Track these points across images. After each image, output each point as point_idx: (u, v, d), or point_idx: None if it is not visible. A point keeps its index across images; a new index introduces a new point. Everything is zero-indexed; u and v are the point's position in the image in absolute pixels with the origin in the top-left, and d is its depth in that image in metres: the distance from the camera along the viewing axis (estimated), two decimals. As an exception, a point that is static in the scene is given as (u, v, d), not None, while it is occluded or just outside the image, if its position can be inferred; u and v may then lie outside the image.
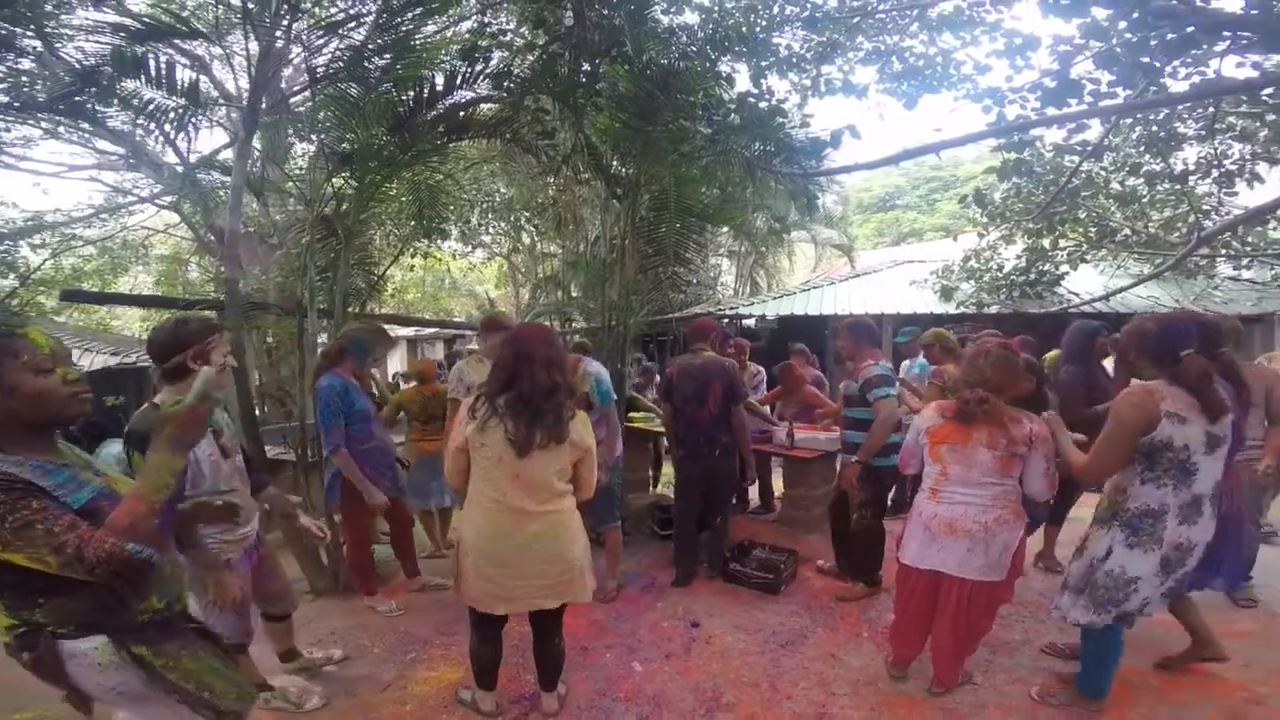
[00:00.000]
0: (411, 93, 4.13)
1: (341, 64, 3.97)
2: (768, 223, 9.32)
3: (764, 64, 4.79)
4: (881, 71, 5.16)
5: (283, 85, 4.65)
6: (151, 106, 3.73)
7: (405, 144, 4.37)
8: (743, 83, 4.95)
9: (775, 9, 4.62)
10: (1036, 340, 5.02)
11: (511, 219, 11.27)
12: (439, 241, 11.56)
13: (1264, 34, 2.93)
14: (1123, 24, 3.18)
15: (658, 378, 4.53)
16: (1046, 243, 8.46)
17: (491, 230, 12.67)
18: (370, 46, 3.98)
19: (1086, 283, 9.53)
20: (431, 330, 16.54)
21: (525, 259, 15.60)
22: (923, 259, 11.62)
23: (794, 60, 5.02)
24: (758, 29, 4.51)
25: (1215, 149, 6.67)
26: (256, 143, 5.34)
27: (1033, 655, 3.03)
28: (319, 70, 4.07)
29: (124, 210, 10.86)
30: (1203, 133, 6.25)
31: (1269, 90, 5.08)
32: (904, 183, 34.20)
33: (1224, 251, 8.26)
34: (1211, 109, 5.71)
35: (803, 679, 2.88)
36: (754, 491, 5.67)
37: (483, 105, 5.18)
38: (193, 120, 3.95)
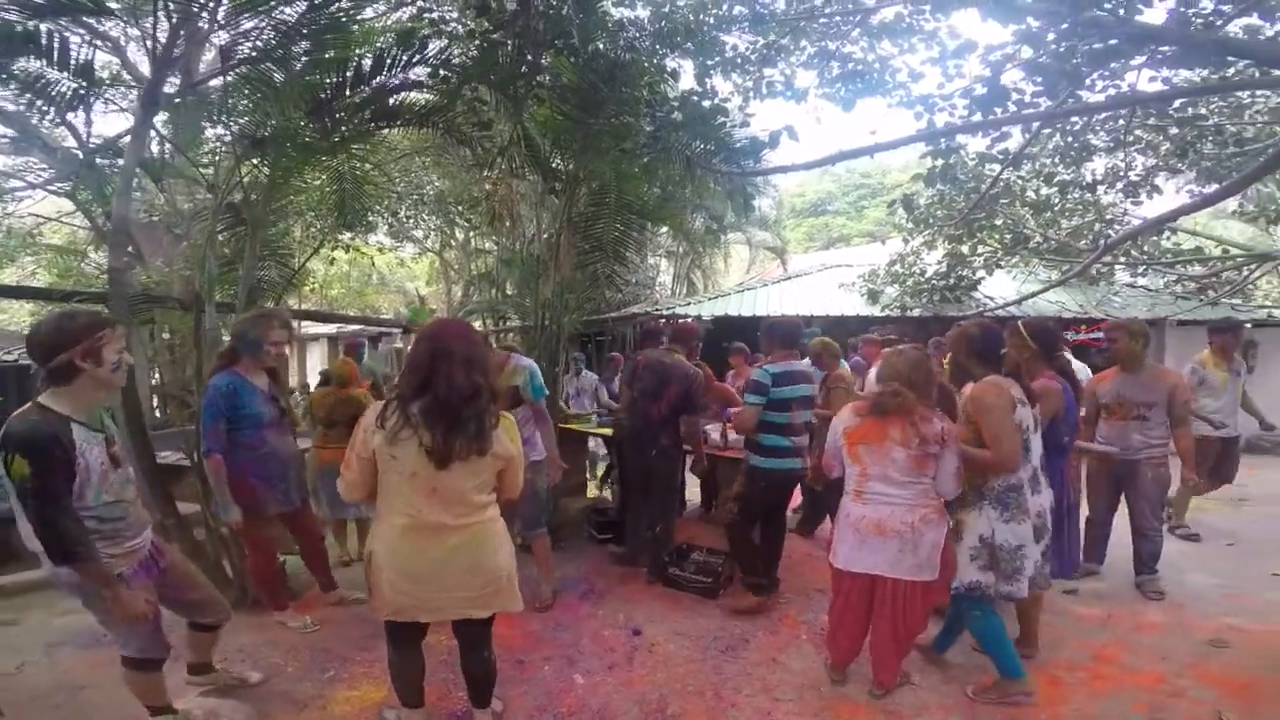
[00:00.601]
0: (335, 76, 3.86)
1: (262, 45, 3.67)
2: (705, 223, 9.36)
3: (710, 63, 4.77)
4: (821, 76, 5.23)
5: (201, 67, 4.29)
6: (41, 84, 3.41)
7: (326, 129, 4.09)
8: (687, 81, 4.92)
9: (724, 7, 4.60)
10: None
11: (444, 213, 10.88)
12: (365, 235, 11.07)
13: (1182, 46, 3.13)
14: (1052, 35, 3.32)
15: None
16: (966, 249, 8.86)
17: (423, 225, 12.21)
18: (300, 30, 3.69)
19: (1001, 287, 10.03)
20: (355, 327, 15.82)
21: (458, 255, 15.17)
22: (851, 263, 11.98)
23: (738, 61, 5.02)
24: (706, 25, 4.47)
25: (1122, 161, 7.14)
26: (163, 127, 4.89)
27: (964, 652, 3.09)
28: (237, 52, 3.74)
29: (11, 196, 9.84)
30: (1111, 144, 6.68)
31: (1176, 103, 5.50)
32: (835, 189, 35.32)
33: (1123, 259, 8.88)
34: (1123, 121, 6.11)
35: (746, 685, 2.84)
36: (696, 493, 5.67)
37: (416, 93, 4.93)
38: (88, 100, 3.67)
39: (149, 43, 3.74)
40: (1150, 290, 10.84)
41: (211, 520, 3.52)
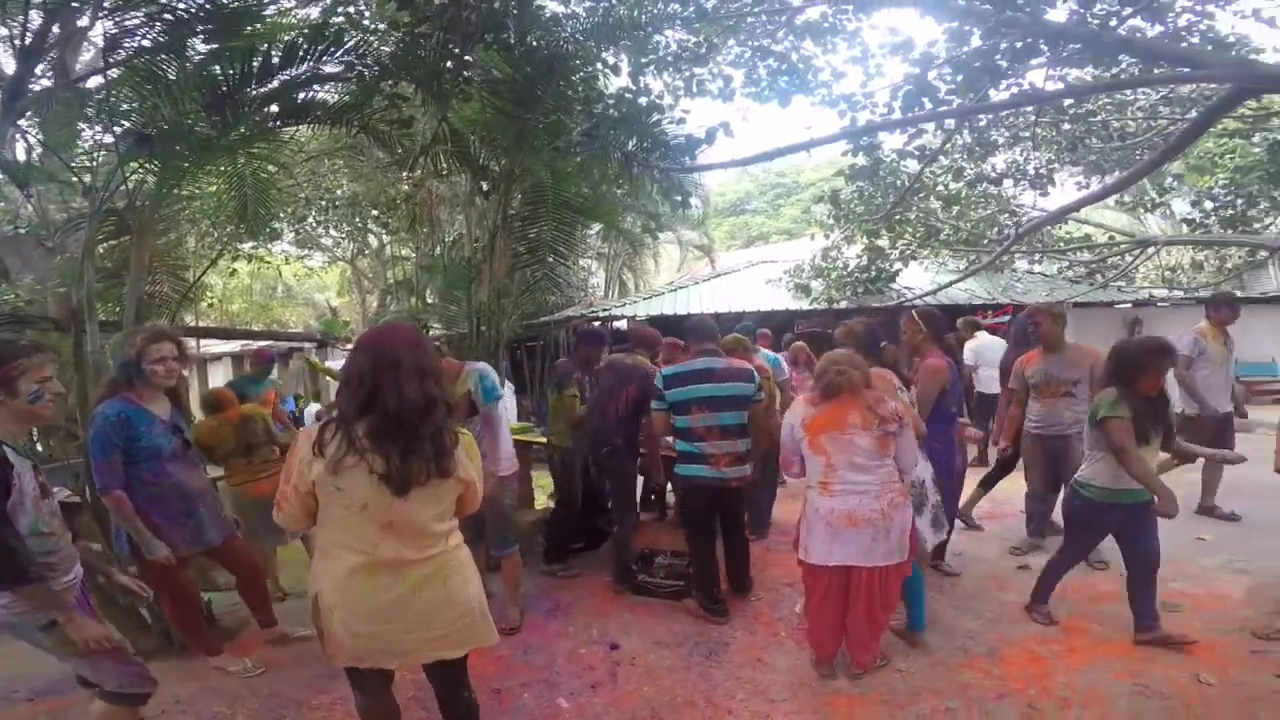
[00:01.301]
0: (239, 68, 3.48)
1: (154, 38, 3.26)
2: (640, 221, 9.31)
3: (644, 60, 4.69)
4: (749, 75, 5.26)
5: (81, 66, 3.79)
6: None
7: (226, 125, 3.70)
8: (622, 79, 4.83)
9: (661, 5, 4.53)
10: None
11: (357, 218, 10.28)
12: (269, 244, 10.29)
13: (1088, 45, 3.35)
14: (977, 33, 3.46)
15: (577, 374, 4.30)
16: (884, 242, 9.23)
17: (334, 231, 11.50)
18: (198, 20, 3.29)
19: (916, 278, 10.53)
20: (262, 343, 14.75)
21: (373, 263, 14.42)
22: (776, 259, 12.27)
23: (670, 59, 4.98)
24: (643, 22, 4.38)
25: (1021, 156, 7.64)
26: (32, 127, 4.31)
27: (943, 633, 3.14)
28: (123, 45, 3.31)
29: None
30: (1011, 140, 7.13)
31: (1069, 101, 5.92)
32: (753, 188, 36.19)
33: (1024, 248, 9.52)
34: (1025, 118, 6.53)
35: (738, 690, 2.75)
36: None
37: (329, 88, 4.58)
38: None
39: (17, 43, 3.27)
40: (1047, 276, 11.73)
41: (118, 561, 3.09)
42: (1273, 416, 4.52)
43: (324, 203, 9.53)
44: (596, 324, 9.83)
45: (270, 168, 5.18)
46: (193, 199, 5.57)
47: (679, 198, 5.42)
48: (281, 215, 8.26)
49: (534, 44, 3.95)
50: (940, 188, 8.31)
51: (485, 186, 5.04)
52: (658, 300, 11.03)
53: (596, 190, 5.55)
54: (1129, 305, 10.24)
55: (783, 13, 5.04)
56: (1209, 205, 8.30)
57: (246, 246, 9.32)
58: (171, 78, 3.35)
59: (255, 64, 3.51)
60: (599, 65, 4.46)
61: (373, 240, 12.73)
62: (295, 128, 4.77)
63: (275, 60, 3.59)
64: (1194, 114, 5.49)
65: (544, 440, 4.84)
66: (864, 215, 8.56)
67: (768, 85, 5.28)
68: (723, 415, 3.34)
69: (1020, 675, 2.76)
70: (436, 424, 1.76)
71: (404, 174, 6.80)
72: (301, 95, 4.13)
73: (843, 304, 9.61)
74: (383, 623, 1.80)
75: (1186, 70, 3.34)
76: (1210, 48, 3.95)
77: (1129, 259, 10.23)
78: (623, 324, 10.91)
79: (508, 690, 2.81)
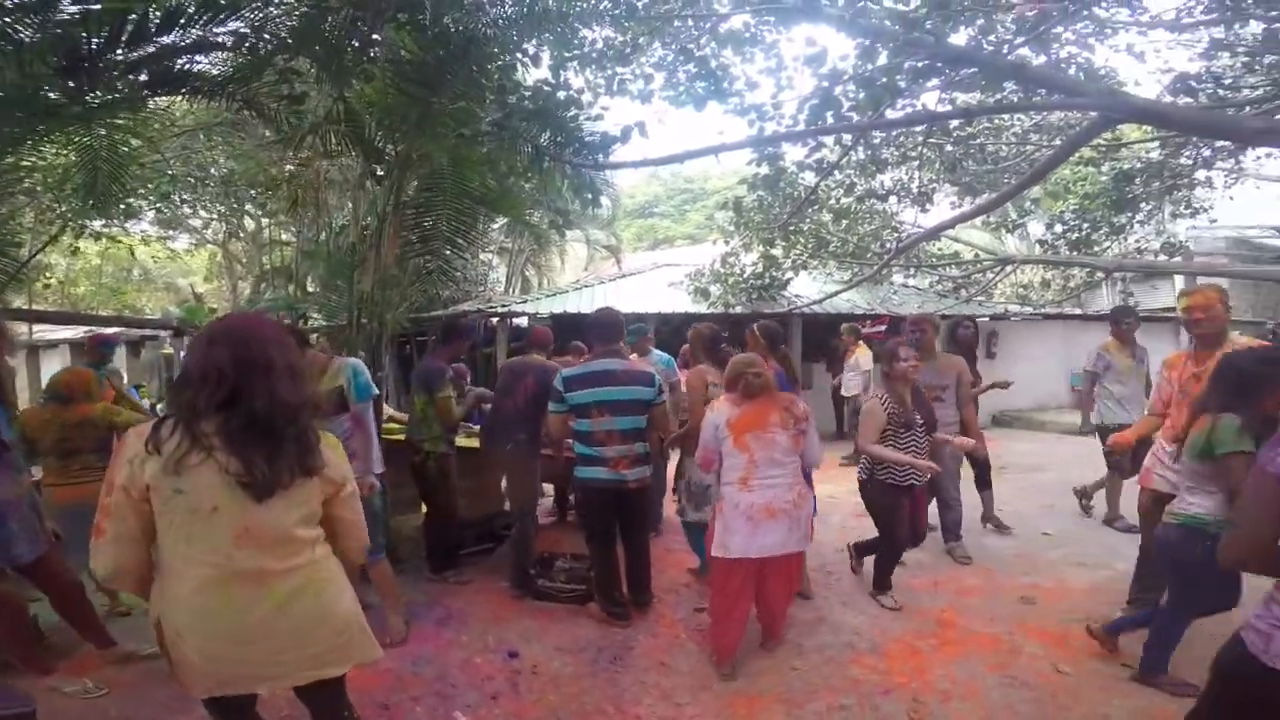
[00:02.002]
0: (108, 29, 3.06)
1: None
2: (548, 216, 9.14)
3: (569, 55, 4.60)
4: (669, 78, 5.31)
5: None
6: None
7: (78, 91, 3.25)
8: (541, 72, 4.71)
9: (591, 1, 4.45)
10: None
11: (232, 199, 9.41)
12: (124, 222, 9.21)
13: (984, 69, 3.67)
14: (884, 51, 3.68)
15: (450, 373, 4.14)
16: (778, 251, 9.63)
17: (204, 212, 10.46)
18: None
19: (805, 287, 11.06)
20: (112, 330, 13.19)
21: (247, 247, 13.26)
22: (680, 263, 12.47)
23: (594, 56, 4.92)
24: (571, 14, 4.29)
25: (906, 174, 8.23)
26: None
27: (832, 631, 3.30)
28: None
29: None
30: (899, 159, 7.66)
31: (954, 123, 6.45)
32: (662, 192, 36.66)
33: (900, 263, 10.24)
34: (921, 138, 7.03)
35: (644, 695, 2.75)
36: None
37: (211, 59, 4.14)
38: None
39: None
40: (920, 289, 12.69)
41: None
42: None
43: (194, 180, 8.64)
44: (465, 318, 9.53)
45: (134, 141, 4.64)
46: (34, 170, 4.90)
47: (589, 195, 5.38)
48: (142, 192, 7.42)
49: (450, 27, 3.75)
50: (833, 201, 8.78)
51: (379, 170, 4.75)
52: (561, 298, 10.87)
53: (503, 182, 5.38)
54: (987, 319, 11.26)
55: (708, 19, 5.13)
56: (1059, 229, 9.28)
57: (97, 224, 8.31)
58: (26, 39, 2.89)
59: (129, 27, 3.10)
60: (519, 55, 4.32)
61: (249, 222, 11.70)
62: (168, 99, 4.28)
63: (153, 25, 3.19)
64: (1059, 141, 6.13)
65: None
66: (762, 224, 8.87)
67: (686, 90, 5.33)
68: (621, 419, 3.31)
69: (903, 669, 2.93)
70: (303, 425, 1.61)
71: (289, 153, 6.29)
72: (180, 62, 3.71)
73: (738, 309, 9.90)
74: (248, 644, 1.61)
75: (1062, 97, 3.70)
76: (1084, 78, 4.41)
77: (990, 276, 11.29)
78: (523, 321, 10.68)
79: (397, 705, 2.66)
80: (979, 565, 4.17)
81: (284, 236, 11.31)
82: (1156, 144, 7.97)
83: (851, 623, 3.40)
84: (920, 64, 3.71)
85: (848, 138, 6.06)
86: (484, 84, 4.14)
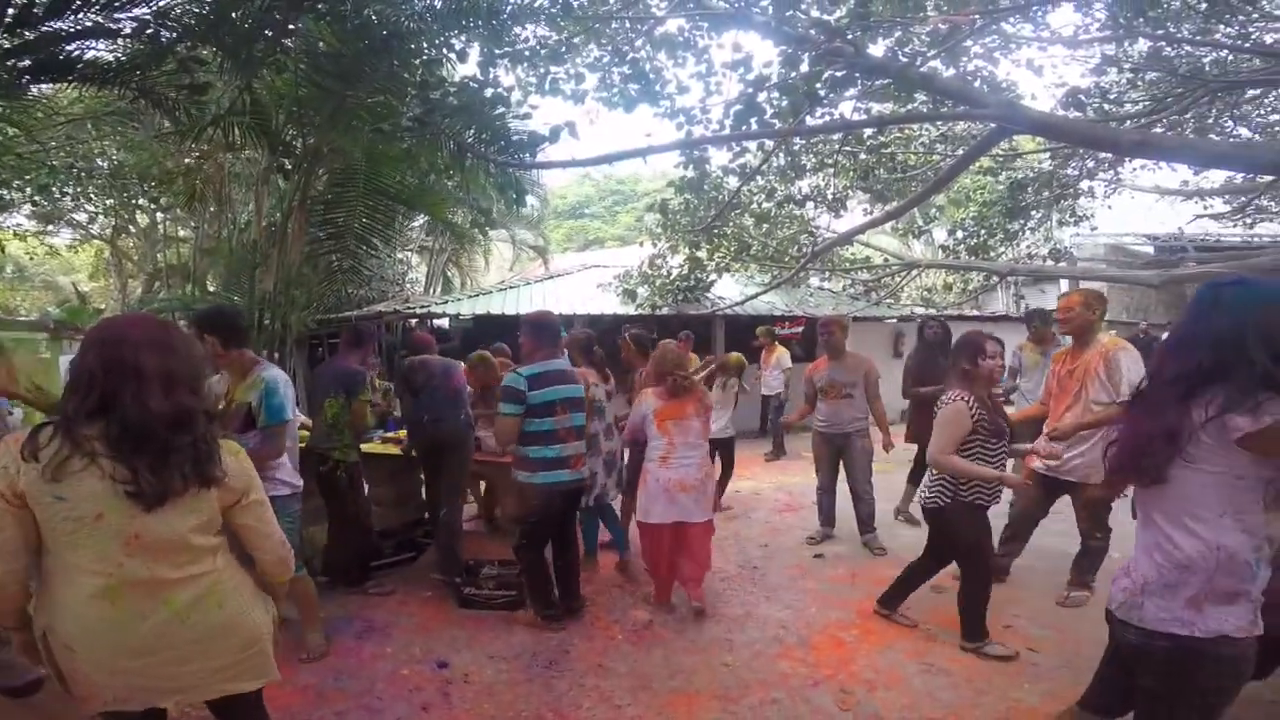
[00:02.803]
0: None
1: None
2: (471, 215, 8.93)
3: (499, 52, 4.50)
4: (603, 79, 5.31)
5: None
6: None
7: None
8: (469, 69, 4.61)
9: None
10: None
11: (125, 192, 8.69)
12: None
13: (898, 79, 3.88)
14: (806, 59, 3.83)
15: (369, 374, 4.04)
16: (703, 254, 9.83)
17: (90, 205, 9.61)
18: None
19: (727, 289, 11.33)
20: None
21: (139, 243, 12.28)
22: (608, 264, 12.48)
23: (527, 54, 4.84)
24: (504, 10, 4.21)
25: (824, 181, 8.58)
26: None
27: (759, 625, 3.41)
28: None
29: None
30: (817, 165, 7.98)
31: (869, 132, 6.78)
32: (593, 193, 36.52)
33: (815, 266, 10.67)
34: (837, 146, 7.34)
35: (583, 698, 2.73)
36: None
37: (104, 46, 3.82)
38: None
39: None
40: (834, 292, 13.26)
41: None
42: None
43: (78, 172, 7.93)
44: (414, 321, 9.26)
45: (9, 130, 4.24)
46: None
47: (514, 194, 5.31)
48: (17, 184, 6.77)
49: (373, 19, 3.60)
50: (754, 205, 9.04)
51: (287, 164, 4.53)
52: (485, 299, 10.65)
53: (423, 179, 5.24)
54: (895, 320, 11.90)
55: (644, 21, 5.16)
56: (960, 235, 9.93)
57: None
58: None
59: (10, 9, 2.82)
60: (445, 51, 4.21)
61: (141, 217, 10.84)
62: (54, 85, 3.92)
63: (39, 8, 2.91)
64: (962, 151, 6.54)
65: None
66: (688, 226, 9.03)
67: (620, 91, 5.35)
68: (577, 415, 3.35)
69: (829, 661, 3.03)
70: (194, 434, 1.51)
71: (187, 144, 5.89)
72: (68, 49, 3.40)
73: (664, 310, 10.04)
74: (145, 655, 1.52)
75: (966, 108, 3.96)
76: (988, 90, 4.72)
77: (898, 279, 11.94)
78: (444, 322, 10.42)
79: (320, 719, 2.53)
80: (894, 557, 4.34)
81: (182, 233, 10.56)
82: (1047, 155, 8.67)
83: (777, 616, 3.51)
84: (840, 73, 3.88)
85: (770, 144, 6.26)
86: (406, 78, 4.01)
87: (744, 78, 4.35)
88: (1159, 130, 6.19)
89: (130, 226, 11.47)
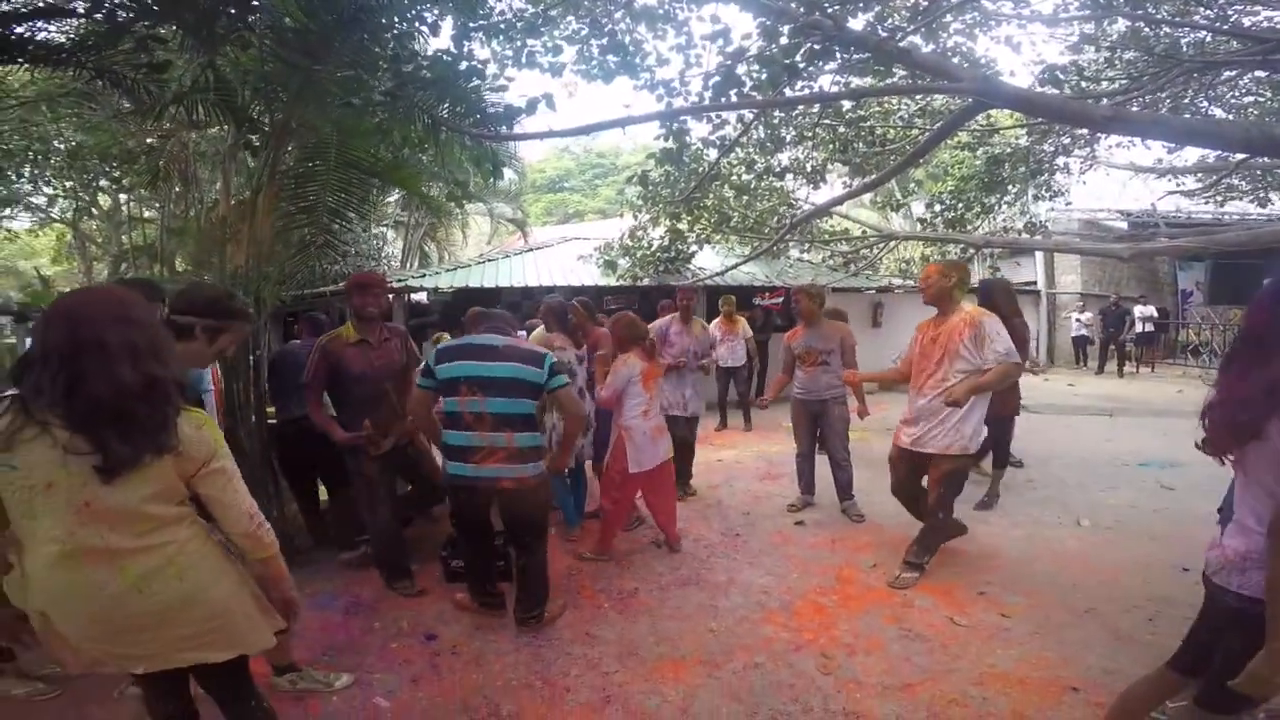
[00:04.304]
0: None
1: None
2: (447, 189, 8.78)
3: (473, 26, 4.39)
4: (581, 51, 5.22)
5: None
6: None
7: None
8: (443, 41, 4.49)
9: None
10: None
11: (85, 174, 8.41)
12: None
13: (876, 53, 3.88)
14: (785, 31, 3.80)
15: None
16: (684, 225, 9.81)
17: (49, 188, 9.30)
18: None
19: (708, 260, 11.34)
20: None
21: (103, 225, 11.93)
22: (589, 236, 12.41)
23: (503, 26, 4.73)
24: None
25: (803, 154, 8.57)
26: None
27: (742, 591, 3.48)
28: None
29: None
30: (797, 138, 7.96)
31: (848, 105, 6.77)
32: (573, 166, 36.11)
33: (795, 238, 10.71)
34: (816, 119, 7.30)
35: (571, 666, 2.78)
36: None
37: (57, 25, 3.67)
38: None
39: None
40: (813, 263, 13.33)
41: None
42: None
43: (34, 154, 7.65)
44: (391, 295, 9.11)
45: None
46: None
47: (490, 166, 5.23)
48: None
49: None
50: (734, 177, 9.01)
51: (254, 141, 4.41)
52: (464, 272, 10.55)
53: (397, 153, 5.13)
54: (874, 291, 12.02)
55: None
56: (937, 208, 10.01)
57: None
58: None
59: None
60: (417, 24, 4.10)
61: (104, 199, 10.51)
62: (2, 68, 3.76)
63: None
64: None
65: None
66: (668, 198, 8.99)
67: (598, 63, 5.27)
68: (494, 401, 2.82)
69: (810, 626, 3.11)
70: (158, 400, 1.51)
71: (149, 124, 5.69)
72: (19, 29, 3.26)
73: (645, 281, 10.04)
74: (105, 622, 1.55)
75: (944, 82, 3.97)
76: (966, 65, 4.72)
77: (876, 251, 12.03)
78: (421, 296, 10.29)
79: (312, 694, 2.57)
80: (871, 524, 4.46)
81: (147, 213, 10.27)
82: (1025, 131, 8.72)
83: (759, 582, 3.58)
84: (819, 46, 3.86)
85: (749, 115, 6.21)
86: (376, 53, 3.91)
87: (723, 50, 4.30)
88: (1134, 108, 6.25)
89: (93, 209, 11.12)
